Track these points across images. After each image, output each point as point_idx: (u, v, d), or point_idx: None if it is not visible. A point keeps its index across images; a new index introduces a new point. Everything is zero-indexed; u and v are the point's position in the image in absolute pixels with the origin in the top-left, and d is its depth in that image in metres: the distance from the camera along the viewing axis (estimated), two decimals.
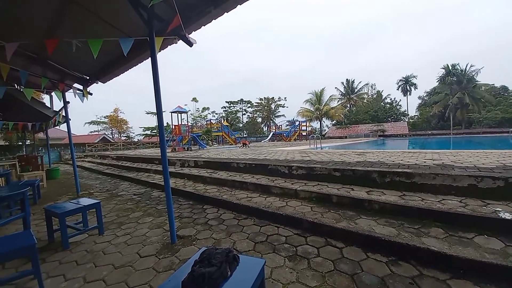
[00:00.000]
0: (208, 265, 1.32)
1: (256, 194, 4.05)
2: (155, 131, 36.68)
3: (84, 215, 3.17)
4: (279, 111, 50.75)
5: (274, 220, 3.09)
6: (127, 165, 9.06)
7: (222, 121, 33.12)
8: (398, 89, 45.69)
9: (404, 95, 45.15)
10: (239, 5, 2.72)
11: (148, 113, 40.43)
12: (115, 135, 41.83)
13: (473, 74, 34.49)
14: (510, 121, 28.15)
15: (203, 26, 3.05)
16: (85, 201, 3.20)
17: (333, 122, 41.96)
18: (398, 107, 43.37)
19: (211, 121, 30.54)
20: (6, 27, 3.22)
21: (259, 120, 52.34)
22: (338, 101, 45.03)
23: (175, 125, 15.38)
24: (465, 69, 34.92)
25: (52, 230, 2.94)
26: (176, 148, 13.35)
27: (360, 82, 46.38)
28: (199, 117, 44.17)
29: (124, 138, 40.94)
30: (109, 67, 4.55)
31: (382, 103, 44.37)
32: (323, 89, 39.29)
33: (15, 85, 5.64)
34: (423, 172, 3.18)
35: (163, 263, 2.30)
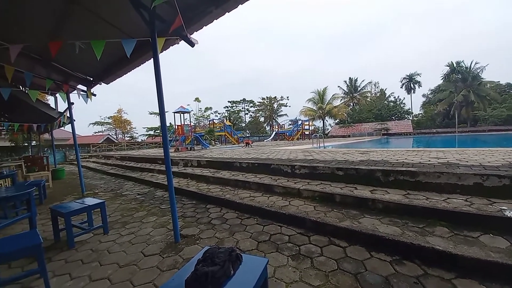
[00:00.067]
0: (211, 264, 1.32)
1: (259, 193, 4.05)
2: (158, 131, 36.86)
3: (89, 215, 3.21)
4: (281, 110, 50.67)
5: (277, 219, 3.08)
6: (131, 165, 9.13)
7: (225, 120, 33.18)
8: (402, 87, 45.26)
9: (408, 93, 44.73)
10: (240, 5, 2.72)
11: (151, 114, 40.61)
12: (119, 136, 42.14)
13: (478, 71, 34.01)
14: None
15: (204, 26, 3.06)
16: (90, 201, 3.24)
17: (336, 121, 41.73)
18: (402, 105, 42.95)
19: (214, 120, 30.62)
20: (10, 30, 3.26)
21: (262, 119, 52.27)
22: (341, 100, 44.78)
23: (178, 125, 15.43)
24: (470, 66, 34.46)
25: (58, 229, 2.98)
26: (179, 148, 13.39)
27: (363, 81, 46.04)
28: (201, 117, 44.29)
29: (128, 138, 41.22)
30: (112, 68, 4.59)
31: (385, 102, 43.93)
32: (325, 88, 39.06)
33: (20, 87, 5.71)
34: (427, 170, 3.15)
35: (167, 262, 2.31)
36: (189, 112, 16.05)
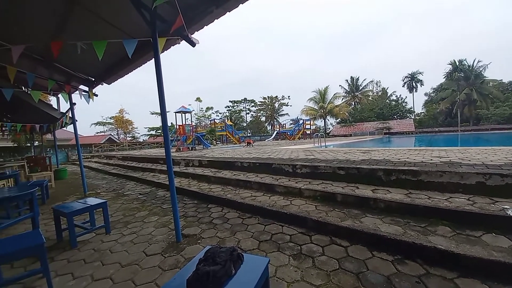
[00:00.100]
0: (212, 264, 1.32)
1: (260, 193, 4.05)
2: (159, 131, 36.97)
3: (91, 215, 3.22)
4: (282, 110, 50.66)
5: (278, 219, 3.08)
6: (132, 165, 9.17)
7: (226, 120, 33.20)
8: (403, 86, 45.12)
9: (410, 92, 44.56)
10: (240, 4, 2.72)
11: (152, 114, 40.80)
12: (121, 136, 42.33)
13: (480, 69, 33.80)
14: None
15: (205, 26, 3.06)
16: (92, 201, 3.25)
17: (338, 120, 41.65)
18: (404, 104, 42.78)
19: (215, 120, 30.64)
20: (11, 30, 3.28)
21: (263, 119, 52.27)
22: (342, 99, 44.70)
23: (179, 125, 15.47)
24: (473, 64, 34.25)
25: (60, 229, 3.00)
26: (181, 147, 13.43)
27: (364, 80, 45.90)
28: (203, 116, 44.38)
29: (130, 138, 41.39)
30: (113, 68, 4.60)
31: (387, 100, 43.79)
32: (327, 87, 38.98)
33: (23, 87, 5.74)
34: (429, 169, 3.14)
35: (168, 262, 2.32)
36: (190, 112, 16.07)
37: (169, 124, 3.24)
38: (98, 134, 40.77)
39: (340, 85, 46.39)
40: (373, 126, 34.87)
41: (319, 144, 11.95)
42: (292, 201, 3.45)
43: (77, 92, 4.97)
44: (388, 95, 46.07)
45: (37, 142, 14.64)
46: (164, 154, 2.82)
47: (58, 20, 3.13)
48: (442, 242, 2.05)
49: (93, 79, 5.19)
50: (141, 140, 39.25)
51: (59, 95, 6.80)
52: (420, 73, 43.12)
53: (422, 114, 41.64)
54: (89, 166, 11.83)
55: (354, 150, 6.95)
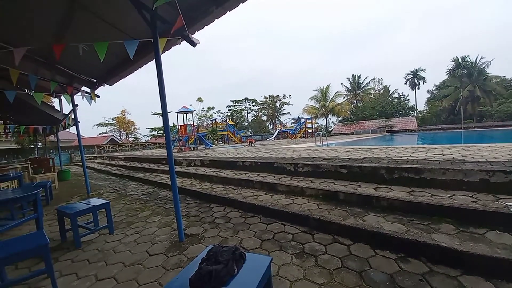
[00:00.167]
0: (215, 263, 1.33)
1: (262, 192, 4.06)
2: (161, 131, 37.09)
3: (95, 215, 3.24)
4: (284, 109, 50.62)
5: (280, 218, 3.08)
6: (135, 166, 9.21)
7: (227, 120, 33.23)
8: (406, 83, 44.83)
9: (412, 90, 44.30)
10: (241, 4, 2.72)
11: (154, 114, 41.00)
12: (123, 137, 42.54)
13: (483, 66, 33.50)
14: None
15: (206, 26, 3.07)
16: (95, 202, 3.27)
17: (339, 119, 41.50)
18: (406, 101, 42.53)
19: (217, 120, 30.70)
20: (13, 33, 3.31)
21: (264, 118, 52.27)
22: (344, 97, 44.55)
23: (181, 125, 15.51)
24: (475, 61, 33.95)
25: (64, 230, 3.02)
26: (183, 148, 13.47)
27: (366, 78, 45.70)
28: (204, 116, 44.47)
29: (132, 139, 41.59)
30: (115, 69, 4.63)
31: (389, 98, 43.56)
32: (328, 85, 38.84)
33: (25, 89, 5.79)
34: (432, 167, 3.12)
35: (171, 261, 2.33)
36: (192, 112, 16.12)
37: (170, 125, 3.26)
38: (101, 135, 41.02)
39: (341, 83, 46.24)
40: (375, 124, 34.74)
41: (321, 142, 11.92)
42: (294, 200, 3.45)
43: (79, 93, 5.00)
44: (390, 92, 45.82)
45: (40, 144, 14.75)
46: (166, 154, 2.83)
47: (60, 22, 3.15)
48: (446, 239, 2.04)
49: (95, 81, 5.22)
50: (143, 141, 39.43)
51: (62, 97, 6.86)
52: (422, 70, 42.86)
53: (425, 111, 41.35)
54: (92, 167, 11.91)
55: (356, 148, 6.92)
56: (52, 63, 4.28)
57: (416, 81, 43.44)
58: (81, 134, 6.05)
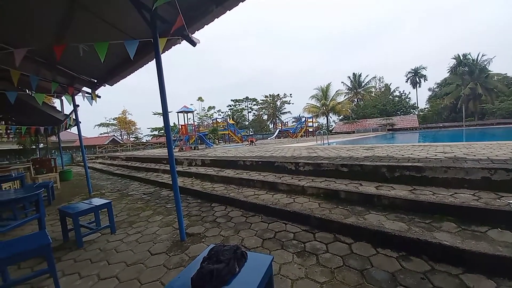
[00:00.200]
0: (216, 262, 1.33)
1: (263, 191, 4.06)
2: (162, 131, 37.14)
3: (97, 215, 3.25)
4: (284, 108, 50.55)
5: (281, 217, 3.09)
6: (136, 166, 9.23)
7: (228, 119, 33.22)
8: (407, 81, 44.59)
9: (414, 88, 44.05)
10: (241, 2, 2.71)
11: (155, 114, 40.98)
12: (124, 136, 42.64)
13: (485, 63, 33.29)
14: None
15: (206, 25, 3.06)
16: (97, 201, 3.28)
17: (340, 117, 41.41)
18: (407, 100, 42.36)
19: (217, 119, 30.69)
20: (14, 34, 3.32)
21: (265, 117, 52.23)
22: (345, 96, 44.35)
23: (181, 125, 15.53)
24: (477, 58, 33.74)
25: (66, 229, 3.04)
26: (183, 147, 13.48)
27: (367, 76, 45.50)
28: (205, 116, 44.46)
29: (133, 139, 41.69)
30: (115, 69, 4.63)
31: (390, 97, 43.40)
32: (329, 84, 38.68)
33: (27, 90, 5.80)
34: (434, 165, 3.11)
35: (173, 260, 2.34)
36: (192, 111, 16.13)
37: (171, 124, 3.26)
38: (102, 135, 41.11)
39: (342, 82, 46.08)
40: (376, 123, 34.64)
41: (322, 141, 11.91)
42: (295, 199, 3.45)
43: (80, 94, 5.01)
44: (391, 91, 45.65)
45: (42, 144, 14.83)
46: (167, 154, 2.84)
47: (60, 23, 3.16)
48: (447, 238, 2.03)
49: (96, 81, 5.23)
50: (144, 141, 39.51)
51: (63, 97, 6.87)
52: (423, 68, 42.63)
53: (426, 109, 41.21)
54: (93, 167, 11.95)
55: (357, 147, 6.91)
56: (53, 63, 4.29)
57: (417, 79, 43.20)
58: (82, 134, 6.07)
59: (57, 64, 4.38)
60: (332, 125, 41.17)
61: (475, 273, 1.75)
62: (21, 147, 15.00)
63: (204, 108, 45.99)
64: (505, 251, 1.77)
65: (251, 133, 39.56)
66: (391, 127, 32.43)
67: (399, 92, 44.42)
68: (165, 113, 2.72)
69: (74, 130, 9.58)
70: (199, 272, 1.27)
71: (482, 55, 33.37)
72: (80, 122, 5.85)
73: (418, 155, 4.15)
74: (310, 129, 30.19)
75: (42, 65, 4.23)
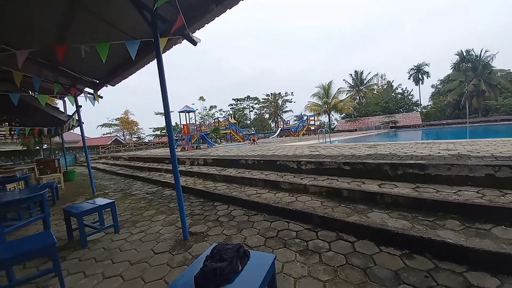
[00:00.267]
0: (219, 260, 1.34)
1: (266, 190, 4.06)
2: (164, 131, 37.24)
3: (100, 214, 3.29)
4: (286, 107, 50.40)
5: (284, 216, 3.09)
6: (139, 165, 9.28)
7: (230, 118, 33.23)
8: (409, 78, 44.25)
9: (416, 85, 43.72)
10: (241, 1, 2.71)
11: (157, 114, 41.08)
12: (127, 137, 42.82)
13: (488, 59, 32.91)
14: None
15: (206, 24, 3.06)
16: (101, 201, 3.31)
17: (342, 115, 41.21)
18: (410, 97, 42.00)
19: (219, 119, 30.72)
20: (16, 35, 3.34)
21: (267, 116, 52.15)
22: (346, 94, 44.08)
23: (183, 125, 15.56)
24: (480, 54, 33.36)
25: (71, 229, 3.07)
26: (186, 147, 13.52)
27: (369, 73, 45.12)
28: (206, 115, 44.52)
29: (135, 139, 41.85)
30: (117, 70, 4.65)
31: (393, 94, 43.04)
32: (330, 82, 38.48)
33: (30, 91, 5.85)
34: (437, 163, 3.08)
35: (176, 259, 2.35)
36: (194, 111, 16.16)
37: (173, 124, 3.27)
38: (105, 135, 41.32)
39: (344, 80, 45.80)
40: (379, 120, 34.39)
41: (324, 140, 11.88)
42: (298, 198, 3.45)
43: (83, 94, 5.04)
44: (394, 88, 45.28)
45: (45, 145, 14.93)
46: (169, 153, 2.85)
47: (61, 24, 3.17)
48: (451, 236, 2.02)
49: (98, 81, 5.26)
50: (147, 141, 39.67)
51: (66, 98, 6.92)
52: (426, 64, 42.27)
53: (429, 106, 40.78)
54: (96, 167, 12.03)
55: (359, 145, 6.88)
56: (55, 65, 4.32)
57: (420, 76, 42.85)
58: (85, 134, 6.11)
59: (59, 65, 4.40)
60: (334, 123, 40.98)
61: (479, 271, 1.74)
62: (25, 148, 15.13)
63: (205, 107, 46.07)
64: (509, 249, 1.76)
65: (252, 132, 39.51)
66: (393, 125, 32.18)
67: (402, 89, 44.09)
68: (166, 113, 2.73)
69: (77, 130, 9.63)
70: (202, 270, 1.28)
71: (485, 51, 33.03)
72: (83, 123, 5.89)
73: (421, 153, 4.13)
74: (312, 128, 30.11)
75: (45, 66, 4.26)
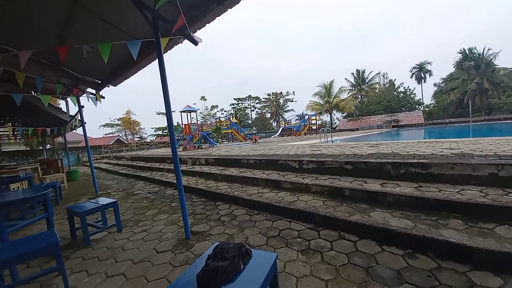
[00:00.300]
0: (221, 259, 1.34)
1: (267, 189, 4.06)
2: (166, 131, 37.34)
3: (103, 214, 3.30)
4: (287, 106, 50.33)
5: (285, 215, 3.09)
6: (141, 165, 9.32)
7: (231, 118, 33.24)
8: (411, 77, 43.97)
9: (419, 83, 43.44)
10: (241, 0, 2.70)
11: (158, 114, 41.19)
12: (129, 137, 43.02)
13: (491, 57, 32.62)
14: None
15: (207, 24, 3.06)
16: (104, 201, 3.33)
17: (344, 115, 41.09)
18: (412, 95, 41.75)
19: (220, 118, 30.74)
20: (16, 36, 3.36)
21: (268, 115, 52.11)
22: (348, 93, 43.96)
23: (185, 124, 15.59)
24: (483, 52, 33.08)
25: (74, 228, 3.09)
26: (187, 146, 13.55)
27: (371, 72, 44.87)
28: (208, 115, 44.56)
29: (137, 139, 42.02)
30: (119, 70, 4.67)
31: (395, 93, 42.81)
32: (332, 81, 38.47)
33: (32, 92, 5.88)
34: (440, 162, 3.07)
35: (178, 258, 2.36)
36: (195, 111, 16.19)
37: (175, 124, 3.28)
38: (107, 135, 41.53)
39: (345, 79, 45.60)
40: (381, 119, 34.24)
41: (326, 139, 11.86)
42: (299, 197, 3.45)
43: (85, 95, 5.07)
44: (396, 87, 45.02)
45: (48, 145, 15.04)
46: (171, 153, 2.86)
47: (63, 24, 3.19)
48: (454, 235, 2.01)
49: (100, 82, 5.28)
50: (149, 140, 39.80)
51: (68, 99, 6.97)
52: (428, 63, 41.99)
53: (432, 105, 40.52)
54: (99, 167, 12.09)
55: (361, 144, 6.86)
56: (57, 65, 4.34)
57: (422, 74, 42.56)
58: (87, 135, 6.15)
59: (61, 66, 4.43)
60: (335, 123, 40.87)
61: (482, 270, 1.73)
62: (28, 148, 15.25)
63: (207, 107, 46.11)
64: None
65: (254, 132, 39.54)
66: (396, 124, 32.02)
67: (404, 88, 43.82)
68: (168, 113, 2.74)
69: (79, 131, 9.69)
70: (204, 269, 1.28)
71: (488, 49, 32.74)
72: (85, 123, 5.92)
73: (424, 152, 4.10)
74: (314, 127, 30.05)
75: (47, 67, 4.28)
